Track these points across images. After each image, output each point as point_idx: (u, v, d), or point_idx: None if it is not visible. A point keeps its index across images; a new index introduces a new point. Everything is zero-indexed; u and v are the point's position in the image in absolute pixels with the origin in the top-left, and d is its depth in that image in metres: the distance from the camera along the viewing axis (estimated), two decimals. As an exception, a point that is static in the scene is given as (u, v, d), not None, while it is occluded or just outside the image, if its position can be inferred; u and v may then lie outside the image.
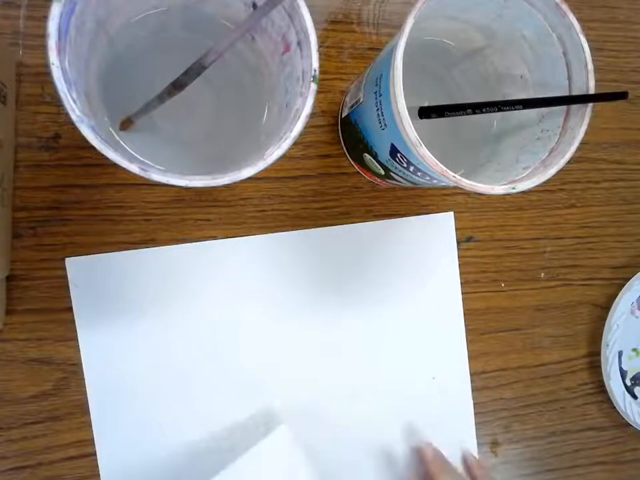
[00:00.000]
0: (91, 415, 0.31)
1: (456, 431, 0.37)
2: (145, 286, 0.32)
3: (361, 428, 0.35)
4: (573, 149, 0.25)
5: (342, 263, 0.35)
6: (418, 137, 0.23)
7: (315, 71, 0.22)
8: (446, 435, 0.36)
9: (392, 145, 0.25)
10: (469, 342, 0.37)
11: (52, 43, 0.18)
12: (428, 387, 0.36)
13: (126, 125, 0.26)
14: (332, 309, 0.35)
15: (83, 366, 0.31)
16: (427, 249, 0.36)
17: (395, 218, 0.35)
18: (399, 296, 0.36)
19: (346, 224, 0.35)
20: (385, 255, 0.35)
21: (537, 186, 0.24)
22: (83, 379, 0.31)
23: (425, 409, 0.36)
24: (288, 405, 0.34)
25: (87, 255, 0.31)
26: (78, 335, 0.31)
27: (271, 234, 0.33)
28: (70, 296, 0.30)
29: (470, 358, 0.37)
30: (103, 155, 0.19)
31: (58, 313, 0.31)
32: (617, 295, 0.39)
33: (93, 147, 0.18)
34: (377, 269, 0.35)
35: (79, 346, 0.31)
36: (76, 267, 0.30)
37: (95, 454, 0.31)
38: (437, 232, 0.36)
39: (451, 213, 0.36)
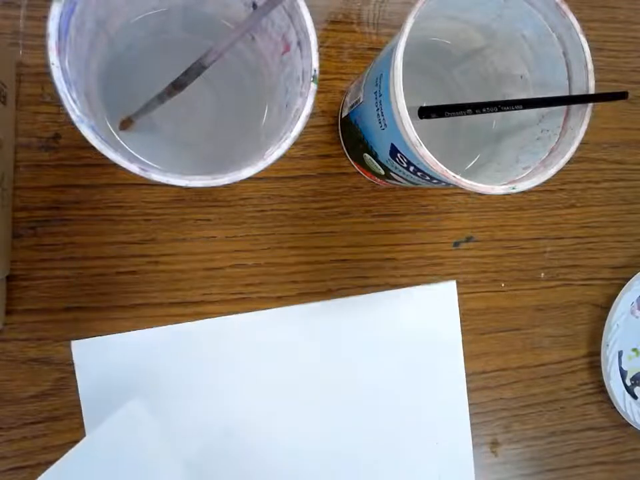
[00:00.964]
0: None
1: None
2: (153, 367, 0.32)
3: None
4: (573, 148, 0.25)
5: (341, 337, 0.35)
6: (418, 137, 0.23)
7: (315, 70, 0.22)
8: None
9: (392, 145, 0.25)
10: (469, 342, 0.37)
11: (52, 43, 0.18)
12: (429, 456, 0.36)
13: (126, 124, 0.26)
14: (331, 381, 0.34)
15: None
16: (428, 322, 0.36)
17: (391, 289, 0.35)
18: (399, 371, 0.35)
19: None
20: (382, 328, 0.35)
21: (537, 186, 0.24)
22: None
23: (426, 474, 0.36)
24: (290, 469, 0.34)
25: (90, 332, 0.31)
26: (84, 417, 0.30)
27: (266, 310, 0.33)
28: (69, 296, 0.31)
29: (470, 358, 0.37)
30: (103, 155, 0.19)
31: (58, 313, 0.31)
32: (617, 295, 0.39)
33: (93, 147, 0.18)
34: (375, 343, 0.35)
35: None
36: (81, 349, 0.30)
37: (94, 454, 0.31)
38: (439, 303, 0.36)
39: (454, 282, 0.36)
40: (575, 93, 0.26)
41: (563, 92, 0.26)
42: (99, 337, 0.31)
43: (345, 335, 0.35)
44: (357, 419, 0.35)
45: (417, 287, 0.36)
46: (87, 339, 0.31)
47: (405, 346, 0.36)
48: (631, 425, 0.39)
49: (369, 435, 0.35)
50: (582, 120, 0.25)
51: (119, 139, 0.26)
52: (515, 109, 0.25)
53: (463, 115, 0.25)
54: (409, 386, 0.36)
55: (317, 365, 0.34)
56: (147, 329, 0.32)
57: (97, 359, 0.31)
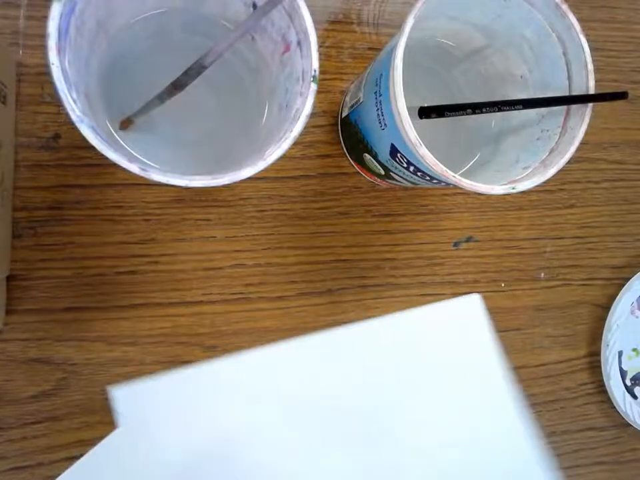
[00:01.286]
0: None
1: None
2: (195, 408, 0.31)
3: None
4: (572, 149, 0.25)
5: (369, 364, 0.33)
6: (418, 137, 0.23)
7: (314, 71, 0.22)
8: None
9: (392, 145, 0.25)
10: (469, 342, 0.37)
11: (52, 43, 0.18)
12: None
13: (126, 124, 0.26)
14: (354, 409, 0.33)
15: None
16: (457, 341, 0.33)
17: (411, 308, 0.34)
18: (435, 398, 0.33)
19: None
20: (411, 352, 0.33)
21: (537, 186, 0.24)
22: (83, 379, 0.31)
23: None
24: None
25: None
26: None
27: (288, 341, 0.33)
28: (70, 296, 0.31)
29: (470, 358, 0.37)
30: (103, 155, 0.19)
31: (58, 313, 0.31)
32: (617, 295, 0.39)
33: (93, 147, 0.18)
34: (404, 370, 0.33)
35: (79, 348, 0.31)
36: (122, 396, 0.30)
37: (95, 454, 0.31)
38: (465, 319, 0.34)
39: (477, 296, 0.34)
40: (575, 93, 0.26)
41: (563, 92, 0.26)
42: (137, 383, 0.30)
43: (367, 361, 0.33)
44: (392, 454, 0.33)
45: (436, 304, 0.34)
46: (127, 386, 0.30)
47: (434, 372, 0.33)
48: (631, 425, 0.39)
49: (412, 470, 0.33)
50: (582, 120, 0.25)
51: (118, 138, 0.26)
52: (515, 109, 0.25)
53: (463, 114, 0.25)
54: (451, 418, 0.33)
55: (338, 392, 0.33)
56: (176, 370, 0.31)
57: (136, 405, 0.30)
